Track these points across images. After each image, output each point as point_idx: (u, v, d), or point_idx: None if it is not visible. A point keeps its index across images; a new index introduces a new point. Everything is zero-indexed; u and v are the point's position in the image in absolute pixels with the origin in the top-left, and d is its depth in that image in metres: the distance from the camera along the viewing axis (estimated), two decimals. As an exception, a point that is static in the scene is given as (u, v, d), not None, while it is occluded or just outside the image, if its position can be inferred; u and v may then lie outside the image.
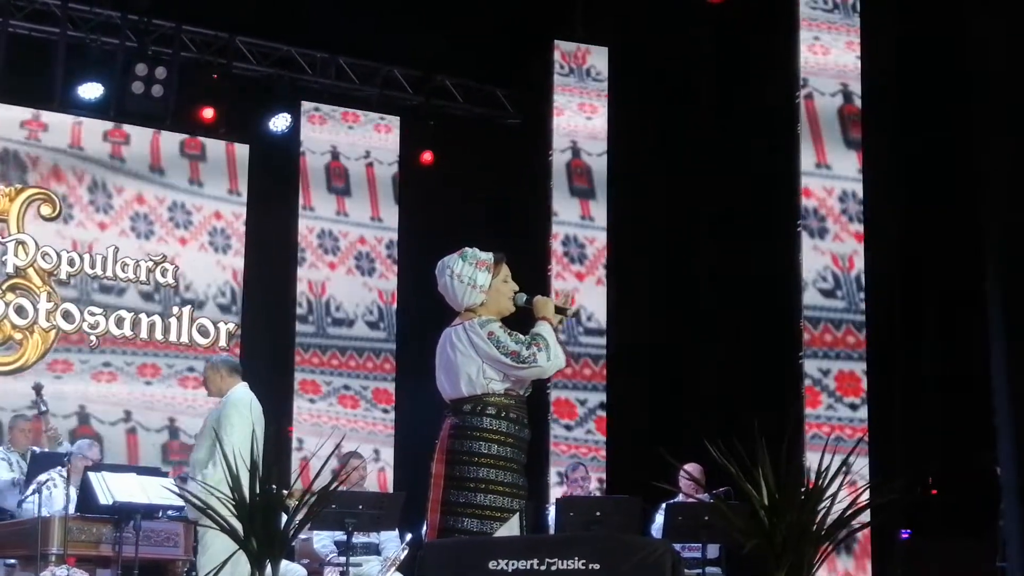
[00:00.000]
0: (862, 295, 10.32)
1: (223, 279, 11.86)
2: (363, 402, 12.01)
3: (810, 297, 10.24)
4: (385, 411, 12.09)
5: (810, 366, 10.19)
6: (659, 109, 12.16)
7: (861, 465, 9.15)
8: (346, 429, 11.48)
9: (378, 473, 11.73)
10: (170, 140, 11.79)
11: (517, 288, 5.50)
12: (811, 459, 9.56)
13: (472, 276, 5.36)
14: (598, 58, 12.16)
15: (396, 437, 12.00)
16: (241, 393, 7.41)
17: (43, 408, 9.24)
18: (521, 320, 5.53)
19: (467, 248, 5.44)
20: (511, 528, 5.30)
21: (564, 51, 12.15)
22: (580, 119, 12.07)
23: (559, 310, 5.51)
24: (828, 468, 4.45)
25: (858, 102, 10.50)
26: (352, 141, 12.33)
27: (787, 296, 10.37)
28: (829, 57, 10.55)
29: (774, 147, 10.81)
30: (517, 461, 5.34)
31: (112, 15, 11.38)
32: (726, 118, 11.62)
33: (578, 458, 11.26)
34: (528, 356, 5.26)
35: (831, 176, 10.42)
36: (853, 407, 10.13)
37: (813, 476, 4.53)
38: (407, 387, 11.94)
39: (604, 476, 11.55)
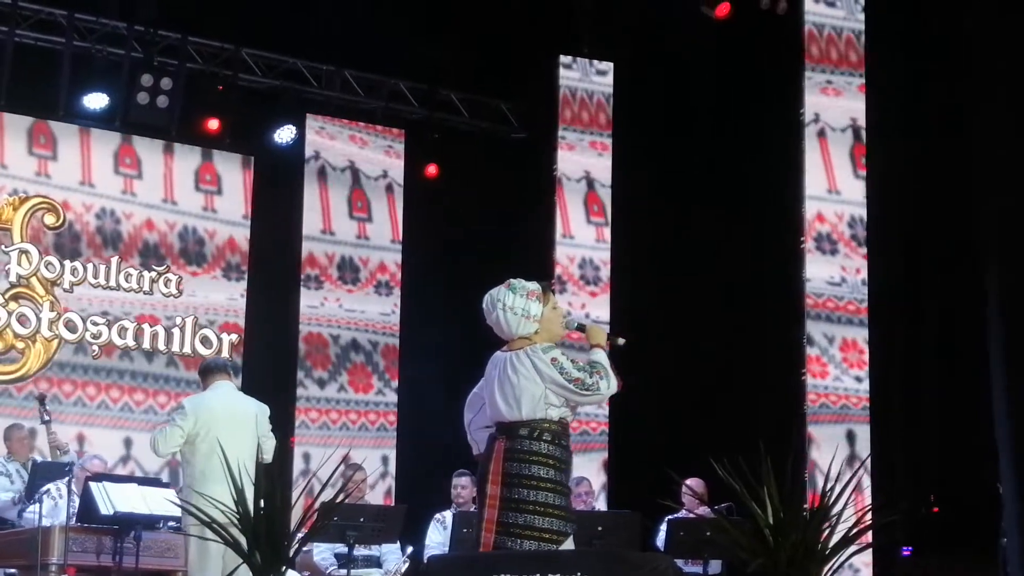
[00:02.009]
0: (865, 302, 10.42)
1: (227, 288, 11.86)
2: (375, 376, 11.92)
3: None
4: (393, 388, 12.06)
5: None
6: (663, 120, 12.17)
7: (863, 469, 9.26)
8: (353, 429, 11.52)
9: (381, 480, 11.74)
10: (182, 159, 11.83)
11: (565, 313, 5.61)
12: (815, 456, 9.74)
13: (525, 307, 5.45)
14: (603, 72, 12.18)
15: (399, 442, 11.99)
16: (195, 399, 7.53)
17: (46, 418, 9.24)
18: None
19: (512, 280, 5.52)
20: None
21: (569, 66, 12.18)
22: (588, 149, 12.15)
23: (609, 339, 5.61)
24: (832, 488, 4.46)
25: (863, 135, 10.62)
26: (363, 155, 12.35)
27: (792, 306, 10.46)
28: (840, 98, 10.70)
29: (779, 161, 10.87)
30: (568, 486, 5.47)
31: (118, 26, 11.39)
32: (729, 128, 11.64)
33: (587, 433, 11.36)
34: (592, 384, 5.38)
35: (840, 201, 10.51)
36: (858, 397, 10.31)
37: (820, 483, 4.55)
38: (409, 401, 11.93)
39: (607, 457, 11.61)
